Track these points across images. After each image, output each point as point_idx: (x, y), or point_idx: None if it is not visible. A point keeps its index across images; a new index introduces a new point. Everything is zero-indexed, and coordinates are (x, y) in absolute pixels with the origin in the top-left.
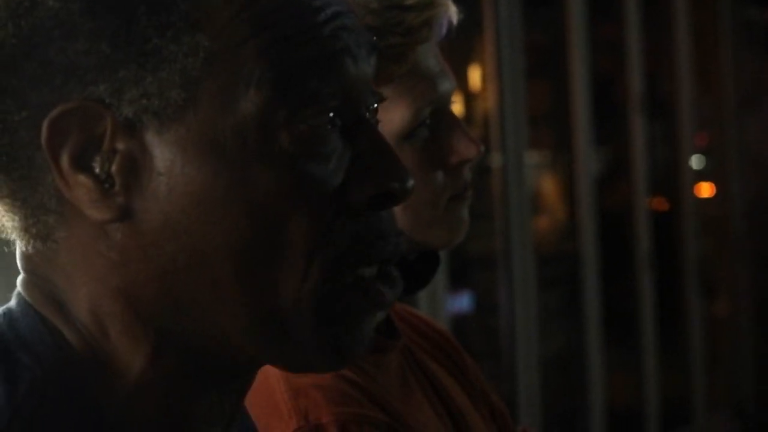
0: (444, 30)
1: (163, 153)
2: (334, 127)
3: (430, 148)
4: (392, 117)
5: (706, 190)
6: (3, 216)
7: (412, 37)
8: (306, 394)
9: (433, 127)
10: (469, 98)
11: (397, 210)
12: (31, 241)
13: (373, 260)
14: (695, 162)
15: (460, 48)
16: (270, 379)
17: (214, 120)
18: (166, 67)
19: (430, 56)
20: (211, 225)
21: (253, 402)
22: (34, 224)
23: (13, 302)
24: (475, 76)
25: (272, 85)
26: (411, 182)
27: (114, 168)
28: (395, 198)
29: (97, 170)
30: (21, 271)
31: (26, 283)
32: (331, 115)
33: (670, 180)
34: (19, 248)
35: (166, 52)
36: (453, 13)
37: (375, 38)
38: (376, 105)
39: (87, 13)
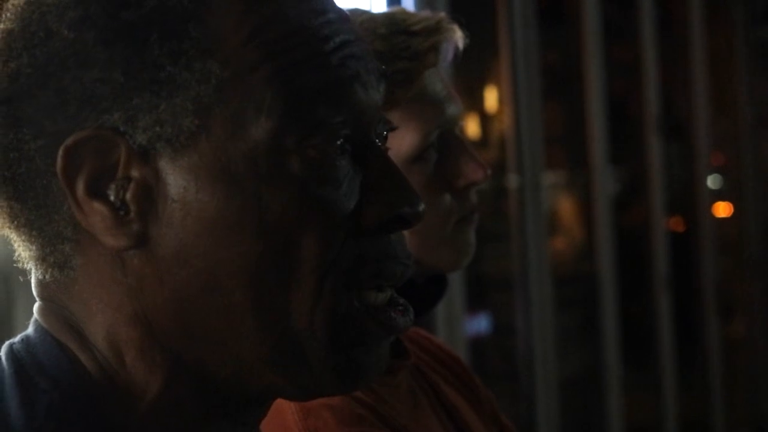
0: (450, 55)
1: (176, 180)
2: (344, 152)
3: (438, 171)
4: (400, 141)
5: (723, 209)
6: (20, 245)
7: (418, 62)
8: (317, 415)
9: (441, 150)
10: (486, 119)
11: (405, 233)
12: (48, 270)
13: (382, 280)
14: (712, 182)
15: (477, 70)
16: (280, 399)
17: (226, 146)
18: (180, 95)
19: (436, 81)
20: (224, 250)
21: (263, 422)
22: (51, 253)
23: (30, 329)
24: (491, 97)
25: (282, 111)
26: (422, 206)
27: (129, 195)
28: (407, 221)
29: (112, 198)
30: (37, 298)
31: (43, 310)
32: (341, 141)
33: (687, 200)
34: (34, 276)
35: (180, 80)
36: (459, 37)
37: (384, 66)
38: (386, 133)
39: (101, 42)
